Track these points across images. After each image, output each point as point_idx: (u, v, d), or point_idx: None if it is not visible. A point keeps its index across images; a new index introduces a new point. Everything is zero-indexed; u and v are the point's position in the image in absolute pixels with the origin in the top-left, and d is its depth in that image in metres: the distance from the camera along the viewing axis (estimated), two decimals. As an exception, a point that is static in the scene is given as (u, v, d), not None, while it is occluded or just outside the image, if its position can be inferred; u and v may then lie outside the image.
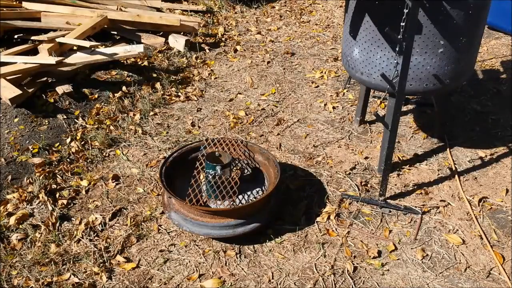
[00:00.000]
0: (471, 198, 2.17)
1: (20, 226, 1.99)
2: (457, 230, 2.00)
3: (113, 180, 2.28)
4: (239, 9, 4.48)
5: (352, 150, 2.50)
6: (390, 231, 2.00)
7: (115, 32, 3.63)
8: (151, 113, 2.83)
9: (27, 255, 1.86)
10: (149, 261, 1.86)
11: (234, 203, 1.83)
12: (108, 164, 2.40)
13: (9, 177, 2.27)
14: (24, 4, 3.61)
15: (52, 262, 1.82)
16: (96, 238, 1.96)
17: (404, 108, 2.81)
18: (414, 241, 1.95)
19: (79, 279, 1.76)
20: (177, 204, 1.92)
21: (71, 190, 2.20)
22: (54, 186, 2.22)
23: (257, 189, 2.06)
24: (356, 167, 2.36)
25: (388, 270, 1.83)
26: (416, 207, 2.10)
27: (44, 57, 2.91)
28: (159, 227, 2.01)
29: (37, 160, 2.37)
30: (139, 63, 3.31)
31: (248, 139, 2.58)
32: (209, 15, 4.24)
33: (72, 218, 2.06)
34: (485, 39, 3.75)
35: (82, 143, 2.53)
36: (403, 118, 2.75)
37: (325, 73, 3.30)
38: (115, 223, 2.04)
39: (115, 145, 2.54)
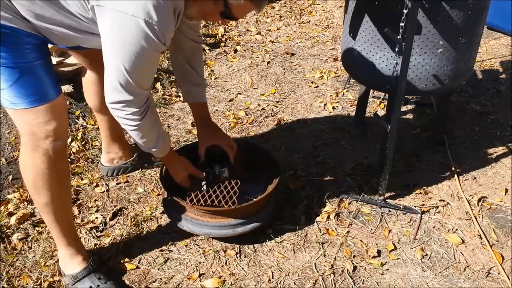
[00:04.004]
0: (470, 197, 2.17)
1: (21, 226, 2.00)
2: (457, 229, 2.01)
3: (114, 180, 2.29)
4: (239, 9, 4.48)
5: (352, 150, 2.51)
6: (390, 231, 2.01)
7: (116, 33, 3.63)
8: (152, 113, 2.83)
9: (28, 255, 1.87)
10: (149, 261, 1.86)
11: (234, 203, 1.83)
12: (109, 164, 2.41)
13: (10, 177, 2.28)
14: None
15: (54, 262, 1.83)
16: (96, 237, 1.96)
17: (404, 108, 2.82)
18: (414, 241, 1.96)
19: (79, 278, 1.77)
20: (177, 204, 1.92)
21: (72, 190, 2.20)
22: (54, 186, 2.22)
23: (257, 189, 2.06)
24: (356, 167, 2.36)
25: (388, 269, 1.83)
26: (415, 206, 2.11)
27: (45, 58, 2.91)
28: (160, 227, 2.02)
29: (37, 160, 2.37)
30: (140, 63, 3.31)
31: (248, 139, 2.59)
32: (209, 15, 4.25)
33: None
34: (485, 39, 3.76)
35: (83, 143, 2.53)
36: (403, 118, 2.76)
37: (325, 73, 3.31)
38: (116, 222, 2.05)
39: (116, 145, 2.54)
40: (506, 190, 2.22)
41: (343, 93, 3.06)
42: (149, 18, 1.24)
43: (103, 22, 1.30)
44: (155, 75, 3.18)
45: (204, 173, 1.91)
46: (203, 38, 3.78)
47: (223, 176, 1.95)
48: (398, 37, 1.74)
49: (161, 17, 1.26)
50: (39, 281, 1.76)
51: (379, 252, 1.90)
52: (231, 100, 3.00)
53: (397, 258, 1.88)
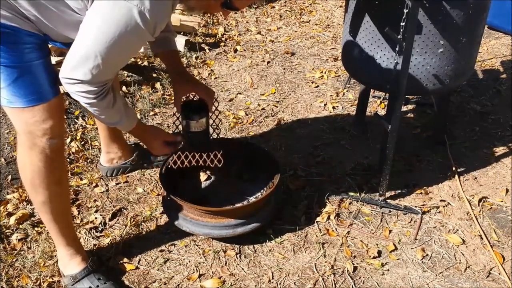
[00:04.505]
0: (471, 198, 2.17)
1: (20, 226, 2.00)
2: (457, 230, 2.01)
3: (113, 180, 2.28)
4: (239, 9, 4.47)
5: (352, 150, 2.51)
6: (390, 231, 2.00)
7: (115, 32, 3.62)
8: (151, 113, 2.83)
9: (28, 255, 1.86)
10: (149, 261, 1.86)
11: (220, 161, 1.72)
12: (108, 164, 2.40)
13: (9, 177, 2.27)
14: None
15: (53, 262, 1.82)
16: (96, 238, 1.96)
17: (404, 108, 2.81)
18: (414, 241, 1.95)
19: (79, 279, 1.76)
20: (177, 204, 1.92)
21: (71, 190, 2.20)
22: (54, 186, 2.22)
23: (257, 189, 2.06)
24: (356, 167, 2.36)
25: (388, 270, 1.83)
26: (416, 207, 2.10)
27: (44, 57, 2.90)
28: (159, 227, 2.01)
29: (37, 160, 2.36)
30: (139, 63, 3.31)
31: (248, 139, 2.58)
32: (209, 15, 4.24)
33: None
34: (485, 39, 3.76)
35: (82, 143, 2.53)
36: (403, 118, 2.75)
37: (325, 73, 3.30)
38: (115, 223, 2.05)
39: (115, 145, 2.54)
40: (507, 190, 2.21)
41: (344, 93, 3.05)
42: (142, 6, 1.21)
43: (93, 5, 1.27)
44: (155, 75, 3.18)
45: (179, 137, 1.81)
46: (203, 38, 3.77)
47: (201, 126, 1.81)
48: (399, 36, 1.74)
49: (155, 8, 1.23)
50: (39, 281, 1.75)
51: (379, 252, 1.90)
52: (231, 100, 3.00)
53: (398, 259, 1.87)
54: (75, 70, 1.32)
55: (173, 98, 2.03)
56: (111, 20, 1.25)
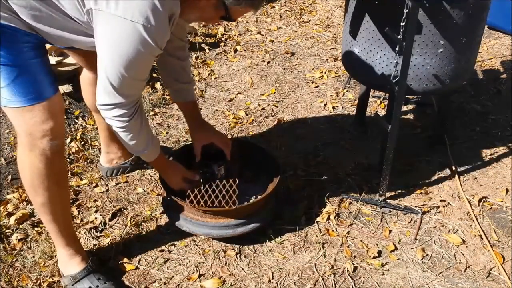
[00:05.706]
0: (471, 198, 2.17)
1: (20, 226, 1.99)
2: (457, 230, 2.01)
3: (113, 180, 2.28)
4: (239, 9, 4.47)
5: (352, 150, 2.50)
6: (390, 231, 2.00)
7: (115, 32, 3.62)
8: (151, 113, 2.83)
9: (28, 255, 1.86)
10: (149, 261, 1.86)
11: (235, 203, 1.82)
12: (108, 164, 2.40)
13: (9, 177, 2.27)
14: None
15: (53, 262, 1.82)
16: (96, 238, 1.96)
17: (404, 108, 2.81)
18: (414, 241, 1.95)
19: (79, 279, 1.76)
20: (177, 204, 1.92)
21: (71, 190, 2.20)
22: (54, 186, 2.22)
23: (257, 189, 2.06)
24: (356, 167, 2.36)
25: (388, 270, 1.83)
26: (416, 207, 2.10)
27: (44, 57, 2.90)
28: (159, 227, 2.01)
29: (37, 160, 2.36)
30: (139, 63, 3.30)
31: (248, 139, 2.58)
32: (209, 15, 4.24)
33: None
34: (485, 39, 3.76)
35: (82, 143, 2.53)
36: (403, 118, 2.75)
37: (325, 73, 3.30)
38: (115, 223, 2.05)
39: (115, 145, 2.54)
40: (507, 190, 2.21)
41: (344, 93, 3.05)
42: (148, 23, 1.25)
43: (100, 26, 1.30)
44: (155, 75, 3.18)
45: (198, 176, 1.89)
46: (203, 38, 3.77)
47: (221, 174, 1.95)
48: (399, 36, 1.74)
49: (159, 22, 1.27)
50: (39, 281, 1.75)
51: (379, 252, 1.90)
52: (231, 100, 3.00)
53: (398, 259, 1.87)
54: (105, 95, 1.42)
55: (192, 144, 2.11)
56: (121, 41, 1.29)
